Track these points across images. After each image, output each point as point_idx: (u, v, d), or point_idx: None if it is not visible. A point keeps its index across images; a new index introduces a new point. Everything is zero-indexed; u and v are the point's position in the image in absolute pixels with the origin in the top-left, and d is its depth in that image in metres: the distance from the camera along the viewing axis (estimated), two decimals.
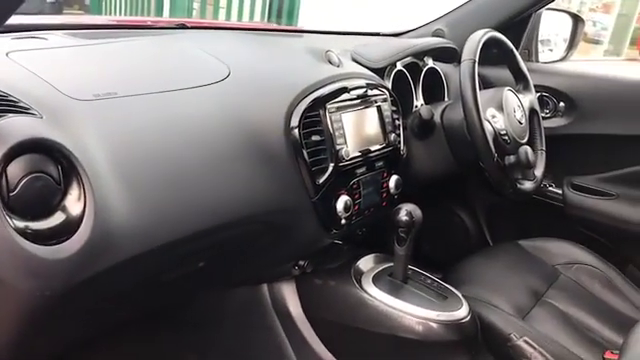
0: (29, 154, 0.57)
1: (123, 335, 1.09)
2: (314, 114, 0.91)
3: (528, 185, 1.21)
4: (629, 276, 1.32)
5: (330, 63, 1.04)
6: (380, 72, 1.17)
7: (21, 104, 0.61)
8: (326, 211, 0.94)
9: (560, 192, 1.50)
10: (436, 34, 1.52)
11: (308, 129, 0.89)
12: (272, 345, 1.11)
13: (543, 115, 1.44)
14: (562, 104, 1.49)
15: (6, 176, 0.56)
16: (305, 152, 0.88)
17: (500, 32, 1.23)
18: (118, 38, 0.95)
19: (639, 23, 12.63)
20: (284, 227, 0.92)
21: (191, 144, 0.75)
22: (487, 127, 1.09)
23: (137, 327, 1.11)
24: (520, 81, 1.32)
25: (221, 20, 4.63)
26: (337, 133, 0.94)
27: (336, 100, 0.96)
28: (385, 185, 1.08)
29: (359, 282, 1.05)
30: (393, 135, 1.09)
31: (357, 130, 1.00)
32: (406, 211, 0.98)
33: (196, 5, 4.68)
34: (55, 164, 0.59)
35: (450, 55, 1.39)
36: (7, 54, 0.72)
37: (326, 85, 0.95)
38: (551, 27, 1.66)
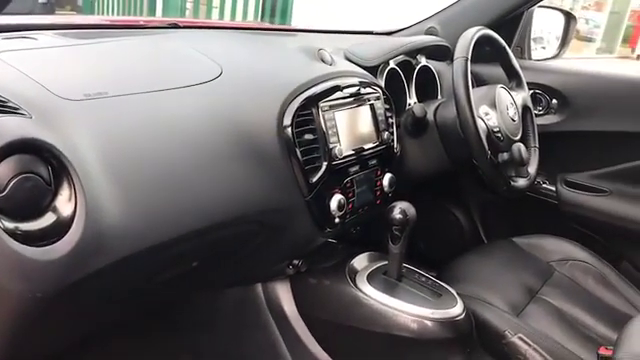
0: (18, 154, 0.57)
1: (117, 335, 1.08)
2: (307, 113, 0.91)
3: (522, 182, 1.21)
4: (623, 272, 1.33)
5: (323, 62, 1.04)
6: (373, 70, 1.17)
7: (10, 104, 0.60)
8: (320, 210, 0.94)
9: (554, 189, 1.51)
10: (429, 32, 1.52)
11: (301, 128, 0.89)
12: (267, 345, 1.11)
13: (536, 112, 1.44)
14: (555, 101, 1.49)
15: None
16: (298, 151, 0.88)
17: (493, 30, 1.23)
18: (110, 38, 0.94)
19: (631, 21, 12.71)
20: (278, 226, 0.91)
21: (183, 144, 0.75)
22: (480, 125, 1.09)
23: (131, 327, 1.11)
24: (513, 78, 1.32)
25: (214, 19, 4.62)
26: (330, 132, 0.94)
27: (329, 99, 0.96)
28: (379, 183, 1.08)
29: (353, 281, 1.05)
30: (386, 133, 1.09)
31: (350, 128, 1.00)
32: (400, 209, 0.98)
33: (189, 5, 4.67)
34: (45, 164, 0.59)
35: (443, 53, 1.39)
36: None
37: (319, 84, 0.95)
38: (544, 25, 1.67)
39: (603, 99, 1.43)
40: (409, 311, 0.98)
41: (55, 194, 0.59)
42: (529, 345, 1.00)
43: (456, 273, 1.24)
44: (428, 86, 1.37)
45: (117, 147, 0.67)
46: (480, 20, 1.41)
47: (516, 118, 1.22)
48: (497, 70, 1.34)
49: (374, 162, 1.06)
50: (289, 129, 0.87)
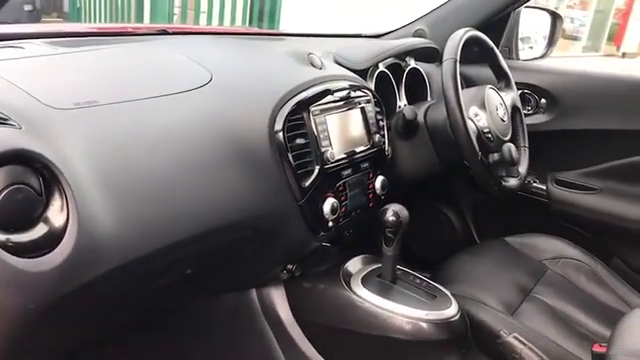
0: (9, 166, 0.56)
1: (111, 342, 1.07)
2: (298, 117, 0.91)
3: (513, 182, 1.22)
4: (614, 269, 1.34)
5: (312, 66, 1.04)
6: (363, 73, 1.17)
7: None
8: (313, 214, 0.94)
9: (544, 188, 1.52)
10: (417, 34, 1.53)
11: (292, 132, 0.89)
12: (262, 350, 1.11)
13: (525, 112, 1.45)
14: (543, 101, 1.50)
15: None
16: (290, 155, 0.88)
17: (480, 31, 1.24)
18: (98, 45, 0.94)
19: (616, 19, 12.85)
20: (271, 232, 0.91)
21: (174, 151, 0.74)
22: (470, 126, 1.10)
23: (125, 334, 1.10)
24: (502, 79, 1.33)
25: (202, 24, 4.61)
26: (322, 135, 0.94)
27: (320, 102, 0.96)
28: (371, 186, 1.08)
29: (348, 284, 1.05)
30: (377, 136, 1.09)
31: (342, 132, 1.00)
32: (393, 211, 0.98)
33: (177, 10, 4.66)
34: (36, 175, 0.58)
35: (432, 55, 1.40)
36: None
37: (309, 88, 0.95)
38: (531, 25, 1.68)
39: (591, 98, 1.45)
40: (404, 313, 0.98)
41: (46, 205, 0.59)
42: (524, 344, 1.00)
43: (450, 274, 1.24)
44: (417, 88, 1.38)
45: (108, 156, 0.67)
46: (468, 21, 1.42)
47: (506, 118, 1.23)
48: (486, 71, 1.34)
49: (366, 165, 1.06)
50: (280, 134, 0.87)
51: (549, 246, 1.36)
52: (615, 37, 12.91)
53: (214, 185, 0.78)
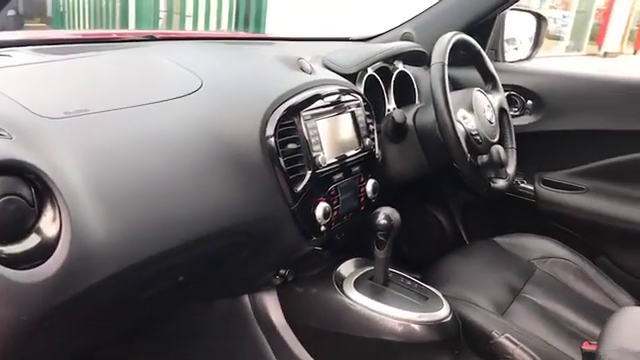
0: (0, 177, 0.56)
1: (104, 349, 1.06)
2: (289, 122, 0.91)
3: (501, 183, 1.23)
4: (601, 267, 1.36)
5: (302, 70, 1.04)
6: (352, 77, 1.18)
7: None
8: (305, 219, 0.94)
9: (532, 188, 1.53)
10: (404, 38, 1.54)
11: (284, 137, 0.89)
12: (255, 354, 1.10)
13: (512, 113, 1.47)
14: (530, 102, 1.52)
15: None
16: (282, 160, 0.88)
17: (467, 34, 1.25)
18: (86, 52, 0.93)
19: (597, 19, 13.03)
20: (264, 237, 0.91)
21: (166, 158, 0.74)
22: (459, 128, 1.11)
23: (118, 341, 1.09)
24: (489, 81, 1.34)
25: (188, 29, 4.59)
26: (313, 140, 0.94)
27: (310, 107, 0.96)
28: (362, 190, 1.09)
29: (341, 287, 1.05)
30: (368, 140, 1.09)
31: (332, 136, 1.00)
32: (384, 215, 0.99)
33: (162, 14, 4.63)
34: (28, 185, 0.58)
35: (419, 58, 1.41)
36: None
37: (300, 93, 0.95)
38: (516, 26, 1.70)
39: (576, 99, 1.47)
40: (396, 315, 0.98)
41: (39, 215, 0.58)
42: (516, 345, 1.01)
43: (440, 275, 1.25)
44: (406, 91, 1.39)
45: (100, 164, 0.67)
46: (455, 25, 1.43)
47: (493, 120, 1.24)
48: (473, 73, 1.36)
49: (357, 169, 1.06)
50: (272, 139, 0.87)
51: (537, 246, 1.38)
52: (597, 37, 13.10)
53: (206, 191, 0.78)
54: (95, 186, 0.64)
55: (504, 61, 1.65)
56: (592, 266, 1.33)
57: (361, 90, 1.18)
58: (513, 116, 1.47)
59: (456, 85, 1.43)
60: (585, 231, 1.47)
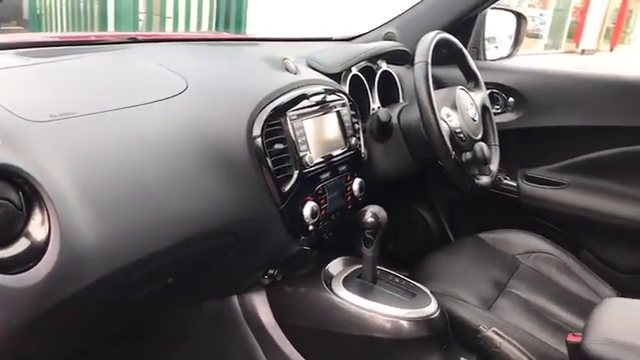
0: None
1: (94, 351, 1.06)
2: (276, 122, 0.91)
3: (485, 180, 1.25)
4: (584, 260, 1.38)
5: (287, 71, 1.05)
6: (336, 77, 1.18)
7: None
8: (293, 218, 0.94)
9: (515, 184, 1.55)
10: (387, 37, 1.55)
11: (271, 138, 0.89)
12: (245, 356, 1.11)
13: (494, 111, 1.49)
14: (511, 99, 1.54)
15: None
16: (269, 161, 0.88)
17: (449, 32, 1.26)
18: (69, 55, 0.92)
19: (574, 17, 13.24)
20: (252, 237, 0.91)
21: (154, 160, 0.74)
22: (443, 126, 1.12)
23: (107, 342, 1.09)
24: (471, 79, 1.36)
25: (169, 30, 4.56)
26: (300, 140, 0.95)
27: (296, 107, 0.96)
28: (349, 189, 1.09)
29: (329, 286, 1.05)
30: (354, 139, 1.10)
31: (319, 136, 1.01)
32: (371, 213, 1.00)
33: (142, 16, 4.59)
34: (15, 189, 0.58)
35: (402, 57, 1.42)
36: None
37: (285, 93, 0.96)
38: (496, 25, 1.73)
39: (557, 96, 1.49)
40: (385, 312, 0.99)
41: (27, 219, 0.58)
42: (503, 338, 1.03)
43: (427, 272, 1.26)
44: (389, 90, 1.40)
45: (87, 167, 0.66)
46: (436, 24, 1.44)
47: (476, 118, 1.26)
48: (455, 72, 1.37)
49: (343, 168, 1.07)
50: (259, 139, 0.87)
51: (521, 241, 1.40)
52: (574, 34, 13.31)
53: (194, 193, 0.78)
54: (83, 189, 0.64)
55: (485, 59, 1.67)
56: (575, 260, 1.35)
57: (346, 89, 1.19)
58: (495, 113, 1.49)
59: (439, 84, 1.45)
60: (567, 225, 1.50)
